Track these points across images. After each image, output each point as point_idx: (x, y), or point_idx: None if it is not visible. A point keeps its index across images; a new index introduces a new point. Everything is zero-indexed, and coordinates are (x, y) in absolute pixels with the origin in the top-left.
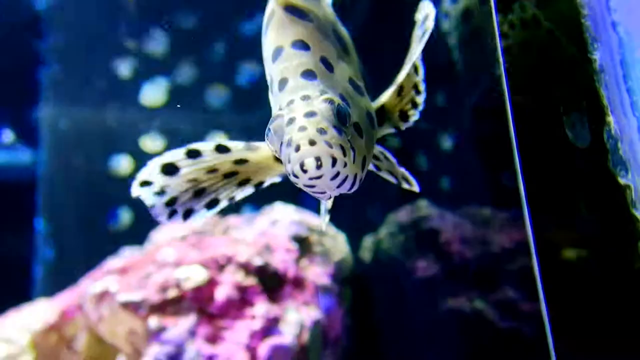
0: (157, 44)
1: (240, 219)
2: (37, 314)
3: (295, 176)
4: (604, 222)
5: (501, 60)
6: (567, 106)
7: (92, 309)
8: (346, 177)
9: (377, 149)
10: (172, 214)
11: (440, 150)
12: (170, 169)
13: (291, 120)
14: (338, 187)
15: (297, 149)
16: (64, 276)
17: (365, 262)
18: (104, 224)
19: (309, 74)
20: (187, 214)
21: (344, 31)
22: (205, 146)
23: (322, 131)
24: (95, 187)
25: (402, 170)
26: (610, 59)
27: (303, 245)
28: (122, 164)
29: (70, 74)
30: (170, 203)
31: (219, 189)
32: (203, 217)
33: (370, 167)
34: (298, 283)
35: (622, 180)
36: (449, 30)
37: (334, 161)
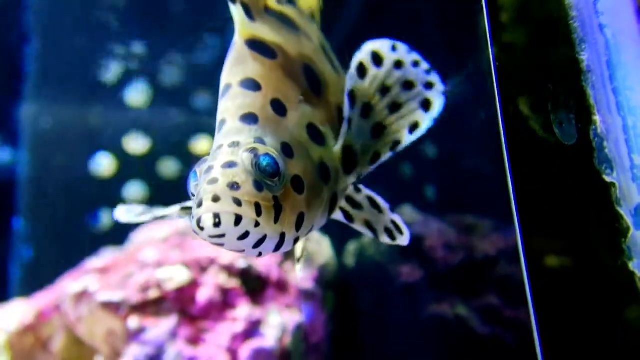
0: (142, 44)
1: None
2: (13, 314)
3: (196, 232)
4: (590, 220)
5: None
6: (554, 105)
7: (71, 308)
8: (264, 237)
9: (364, 193)
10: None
11: (425, 157)
12: None
13: (208, 170)
14: (255, 247)
15: (200, 204)
16: (42, 277)
17: (349, 267)
18: (84, 225)
19: (248, 118)
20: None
21: (327, 68)
22: None
23: (234, 186)
24: (76, 187)
25: (395, 217)
26: (597, 60)
27: None
28: (104, 164)
29: (52, 73)
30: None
31: None
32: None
33: (340, 217)
34: (281, 286)
35: (607, 178)
36: None
37: (238, 219)
